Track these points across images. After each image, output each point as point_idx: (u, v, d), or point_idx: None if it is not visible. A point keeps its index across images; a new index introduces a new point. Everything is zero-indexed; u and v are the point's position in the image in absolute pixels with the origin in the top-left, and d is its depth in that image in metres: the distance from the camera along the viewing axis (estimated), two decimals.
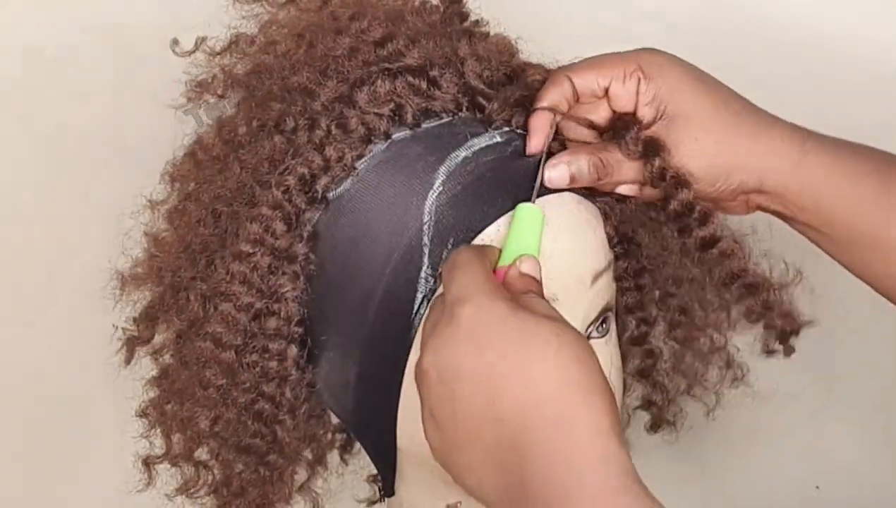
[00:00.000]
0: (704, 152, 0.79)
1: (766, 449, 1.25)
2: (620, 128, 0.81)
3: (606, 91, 0.81)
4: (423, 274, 0.77)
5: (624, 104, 0.81)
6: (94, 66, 1.06)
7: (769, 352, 0.86)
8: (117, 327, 0.91)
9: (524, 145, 0.80)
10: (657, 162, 0.79)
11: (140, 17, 1.04)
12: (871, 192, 0.81)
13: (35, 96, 1.07)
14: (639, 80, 0.80)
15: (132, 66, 1.04)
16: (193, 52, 0.88)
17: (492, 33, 0.88)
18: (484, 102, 0.81)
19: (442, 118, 0.80)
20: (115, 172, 1.04)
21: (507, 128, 0.81)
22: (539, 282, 0.73)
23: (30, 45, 1.05)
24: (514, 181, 0.78)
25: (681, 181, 0.79)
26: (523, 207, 0.75)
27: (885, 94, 1.10)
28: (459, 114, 0.81)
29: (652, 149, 0.79)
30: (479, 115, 0.81)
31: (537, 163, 0.79)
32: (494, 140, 0.80)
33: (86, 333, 0.97)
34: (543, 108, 0.80)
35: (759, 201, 0.82)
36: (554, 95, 0.81)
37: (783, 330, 0.84)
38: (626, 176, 0.81)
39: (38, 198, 1.09)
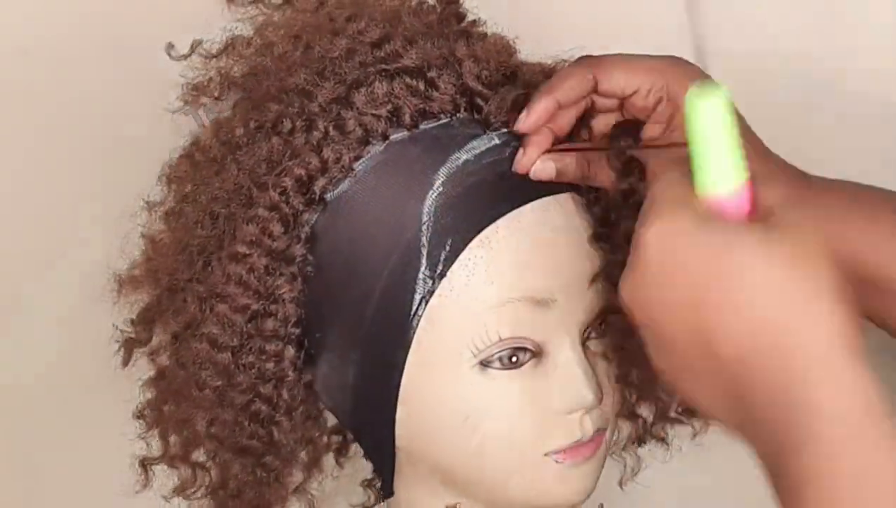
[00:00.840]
0: None
1: None
2: (618, 131, 0.80)
3: (626, 97, 0.80)
4: (420, 276, 0.77)
5: (638, 114, 0.80)
6: (91, 68, 1.05)
7: None
8: (117, 327, 0.91)
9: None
10: (626, 184, 0.79)
11: (136, 18, 1.04)
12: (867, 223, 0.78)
13: (31, 98, 1.06)
14: (661, 98, 0.79)
15: (129, 68, 1.03)
16: (189, 55, 0.88)
17: (489, 33, 0.87)
18: (482, 103, 0.81)
19: (440, 119, 0.80)
20: (113, 174, 1.04)
21: (504, 130, 0.81)
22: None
23: (25, 46, 1.05)
24: (513, 183, 0.79)
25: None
26: (698, 102, 0.60)
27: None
28: (457, 115, 0.81)
29: (629, 170, 0.79)
30: (476, 116, 0.81)
31: None
32: (493, 142, 0.80)
33: (83, 334, 0.96)
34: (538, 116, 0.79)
35: None
36: (571, 88, 0.79)
37: None
38: (606, 180, 0.80)
39: (35, 200, 1.09)
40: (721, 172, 0.61)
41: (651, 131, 0.80)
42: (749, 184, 0.62)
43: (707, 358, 0.60)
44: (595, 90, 0.80)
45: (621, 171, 0.79)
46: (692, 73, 0.78)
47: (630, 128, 0.80)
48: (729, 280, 0.59)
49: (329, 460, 0.99)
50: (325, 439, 0.97)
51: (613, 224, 0.83)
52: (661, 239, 0.61)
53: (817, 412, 0.56)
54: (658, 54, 0.80)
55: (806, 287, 0.58)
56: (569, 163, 0.79)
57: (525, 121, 0.78)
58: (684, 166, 0.63)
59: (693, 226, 0.61)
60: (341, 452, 1.00)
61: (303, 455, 0.94)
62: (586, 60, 0.81)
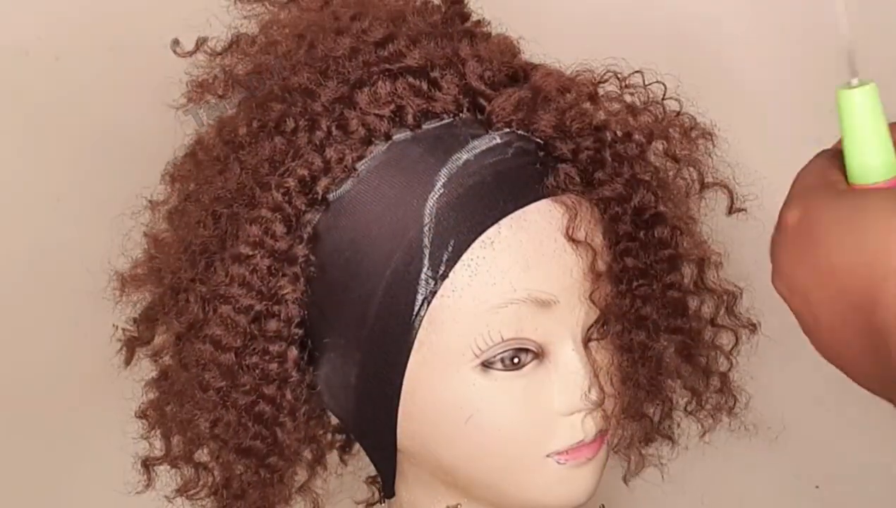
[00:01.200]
0: None
1: (765, 449, 1.25)
2: None
3: None
4: (423, 276, 0.76)
5: None
6: (94, 65, 1.05)
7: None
8: (118, 327, 0.91)
9: (524, 146, 0.80)
10: None
11: (140, 16, 1.04)
12: None
13: (35, 96, 1.06)
14: None
15: (133, 65, 1.03)
16: (194, 52, 0.88)
17: (494, 34, 0.87)
18: (485, 103, 0.80)
19: (443, 119, 0.80)
20: (116, 172, 1.04)
21: (507, 130, 0.80)
22: None
23: (29, 44, 1.05)
24: (515, 183, 0.78)
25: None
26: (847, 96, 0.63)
27: None
28: (460, 115, 0.81)
29: None
30: (479, 116, 0.81)
31: (535, 161, 0.79)
32: (495, 141, 0.80)
33: (86, 334, 0.96)
34: None
35: None
36: None
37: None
38: None
39: (37, 198, 1.09)
40: (871, 163, 0.63)
41: None
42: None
43: (849, 317, 0.61)
44: None
45: None
46: None
47: None
48: (852, 238, 0.60)
49: (333, 457, 1.00)
50: (329, 437, 0.97)
51: (626, 234, 0.82)
52: (799, 224, 0.63)
53: None
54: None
55: None
56: None
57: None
58: (830, 155, 0.65)
59: (834, 200, 0.62)
60: (345, 449, 1.00)
61: (307, 453, 0.94)
62: None
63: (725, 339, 0.92)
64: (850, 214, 0.61)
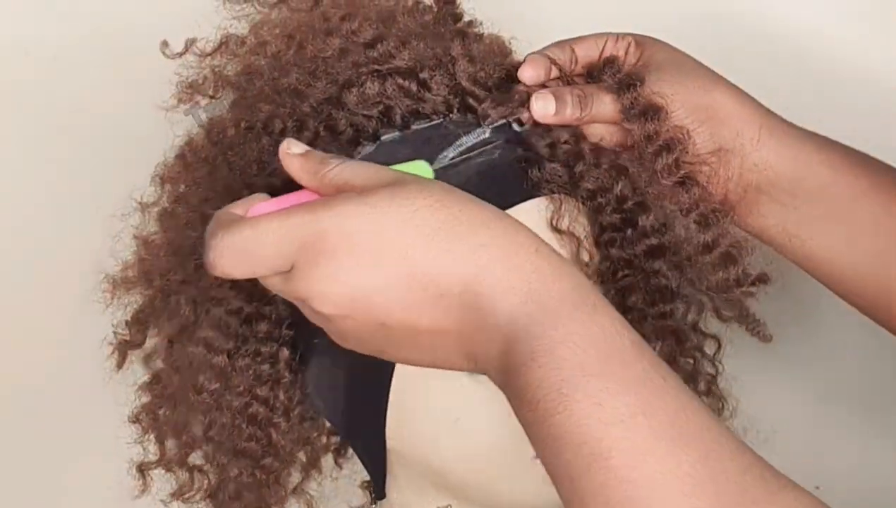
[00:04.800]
0: (682, 101, 0.81)
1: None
2: (601, 69, 0.83)
3: (601, 55, 0.84)
4: None
5: None
6: (84, 66, 1.05)
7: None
8: (115, 329, 0.91)
9: (512, 146, 0.79)
10: (631, 93, 0.81)
11: (130, 16, 1.04)
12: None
13: (24, 96, 1.06)
14: (629, 43, 0.84)
15: (122, 66, 1.03)
16: (183, 53, 0.88)
17: (486, 34, 0.87)
18: (475, 104, 0.80)
19: (432, 119, 0.80)
20: (106, 174, 1.04)
21: (495, 129, 0.80)
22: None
23: (18, 45, 1.04)
24: (502, 183, 0.78)
25: (652, 107, 0.80)
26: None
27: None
28: (450, 115, 0.80)
29: (627, 82, 0.81)
30: (470, 117, 0.80)
31: (521, 159, 0.79)
32: (482, 140, 0.79)
33: (77, 337, 0.96)
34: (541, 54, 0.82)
35: (761, 204, 0.83)
36: (553, 52, 0.83)
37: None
38: (605, 112, 0.82)
39: (27, 200, 1.09)
40: None
41: (628, 62, 0.84)
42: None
43: (387, 338, 0.66)
44: (574, 61, 0.84)
45: (618, 87, 0.82)
46: (653, 38, 0.85)
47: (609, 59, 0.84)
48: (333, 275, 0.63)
49: (328, 461, 0.99)
50: (323, 440, 0.97)
51: (610, 224, 0.82)
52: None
53: (524, 296, 0.61)
54: None
55: (438, 230, 0.63)
56: (566, 97, 0.80)
57: (523, 71, 0.81)
58: None
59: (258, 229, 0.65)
60: (340, 453, 1.00)
61: (301, 455, 0.94)
62: (561, 41, 0.85)
63: (710, 347, 0.92)
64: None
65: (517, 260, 0.63)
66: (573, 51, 0.84)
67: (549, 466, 0.62)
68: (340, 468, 1.00)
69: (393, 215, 0.63)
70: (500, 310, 0.62)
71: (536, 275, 0.63)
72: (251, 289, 0.80)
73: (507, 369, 0.63)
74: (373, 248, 0.63)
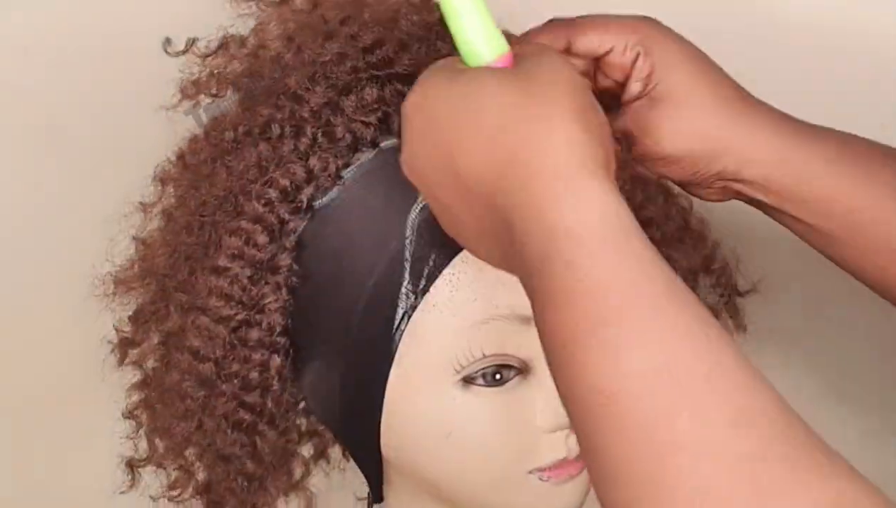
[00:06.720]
0: (687, 135, 0.78)
1: None
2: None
3: (602, 56, 0.80)
4: (403, 290, 0.75)
5: (616, 75, 0.80)
6: (84, 66, 1.05)
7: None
8: (116, 328, 0.91)
9: None
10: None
11: (131, 16, 1.03)
12: (864, 177, 0.79)
13: (24, 96, 1.06)
14: (638, 54, 0.79)
15: (122, 66, 1.03)
16: (184, 52, 0.87)
17: None
18: None
19: None
20: (106, 174, 1.03)
21: None
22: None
23: (18, 45, 1.04)
24: None
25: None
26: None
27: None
28: None
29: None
30: None
31: None
32: None
33: (75, 335, 0.96)
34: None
35: (739, 189, 0.80)
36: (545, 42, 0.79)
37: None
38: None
39: (27, 200, 1.08)
40: (480, 44, 0.65)
41: (633, 89, 0.79)
42: (509, 56, 0.65)
43: (467, 201, 0.63)
44: (569, 52, 0.80)
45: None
46: (665, 29, 0.80)
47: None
48: (467, 117, 0.61)
49: (335, 452, 0.99)
50: (329, 433, 0.96)
51: None
52: (417, 104, 0.65)
53: (555, 230, 0.57)
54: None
55: (538, 113, 0.60)
56: None
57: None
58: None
59: (445, 81, 0.64)
60: None
61: (309, 446, 0.94)
62: (557, 22, 0.80)
63: None
64: (465, 93, 0.62)
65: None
66: (568, 42, 0.79)
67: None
68: (348, 459, 0.99)
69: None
70: None
71: None
72: (241, 298, 0.79)
73: None
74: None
